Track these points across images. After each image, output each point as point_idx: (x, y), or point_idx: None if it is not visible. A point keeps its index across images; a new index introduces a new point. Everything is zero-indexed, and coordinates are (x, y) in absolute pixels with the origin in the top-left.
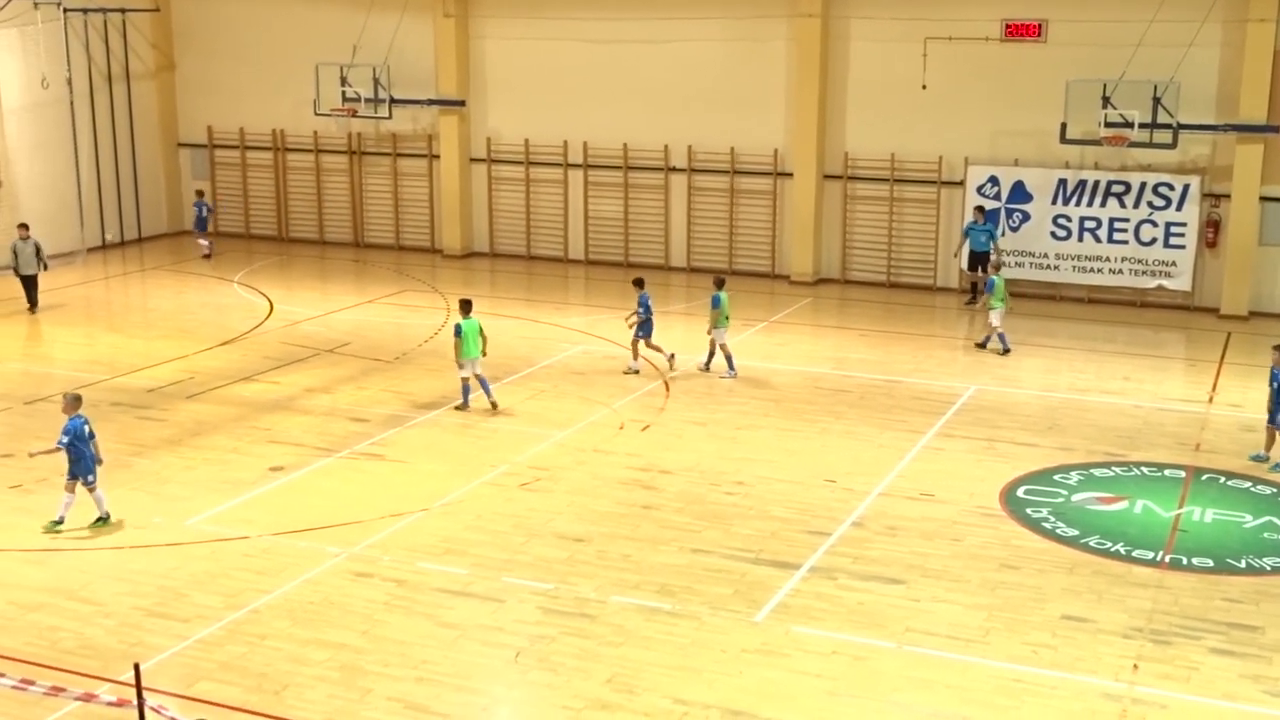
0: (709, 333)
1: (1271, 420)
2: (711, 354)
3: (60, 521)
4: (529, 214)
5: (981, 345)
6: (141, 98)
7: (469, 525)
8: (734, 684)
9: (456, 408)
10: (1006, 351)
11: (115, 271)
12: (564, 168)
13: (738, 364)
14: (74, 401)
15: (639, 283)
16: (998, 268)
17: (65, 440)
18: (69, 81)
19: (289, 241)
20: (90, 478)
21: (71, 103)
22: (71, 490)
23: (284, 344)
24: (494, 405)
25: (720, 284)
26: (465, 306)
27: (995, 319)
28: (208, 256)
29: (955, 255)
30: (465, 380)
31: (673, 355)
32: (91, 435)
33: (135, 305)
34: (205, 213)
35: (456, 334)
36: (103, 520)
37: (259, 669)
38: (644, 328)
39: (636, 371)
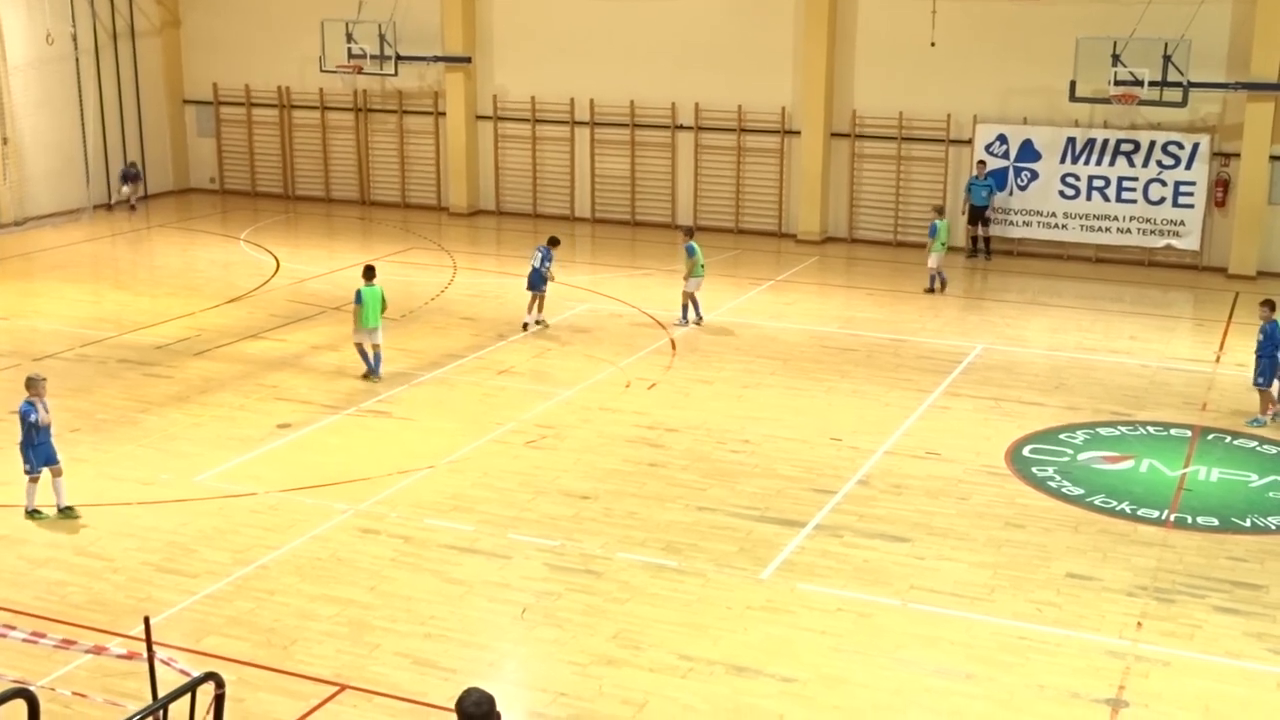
0: (685, 280)
1: (1256, 382)
2: (686, 308)
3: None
4: (535, 172)
5: (930, 290)
6: (147, 54)
7: (476, 482)
8: (739, 640)
9: (364, 377)
10: (943, 285)
11: (122, 229)
12: (570, 125)
13: (737, 321)
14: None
15: (689, 231)
16: (941, 212)
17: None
18: (74, 38)
19: (295, 199)
20: (27, 466)
21: (77, 59)
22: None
23: (291, 301)
24: (371, 377)
25: (690, 234)
26: (368, 272)
27: (933, 261)
28: (133, 207)
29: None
30: (360, 347)
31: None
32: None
33: (142, 263)
34: (134, 172)
35: (357, 300)
36: (34, 514)
37: (267, 624)
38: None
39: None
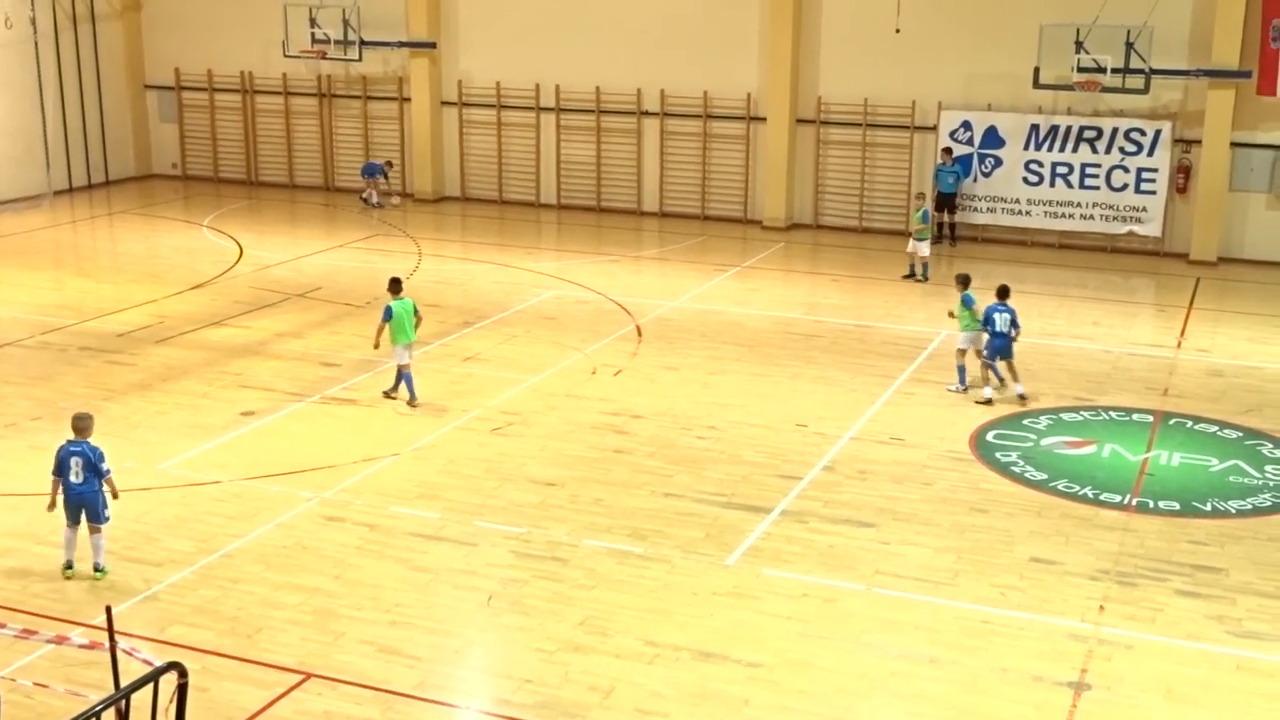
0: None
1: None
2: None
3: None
4: (501, 158)
5: (911, 277)
6: (107, 38)
7: (441, 470)
8: (705, 626)
9: (386, 395)
10: (922, 278)
11: (83, 215)
12: (536, 111)
13: (703, 307)
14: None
15: (964, 280)
16: (922, 198)
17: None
18: (33, 21)
19: (258, 185)
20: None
21: (36, 43)
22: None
23: (254, 288)
24: (392, 396)
25: (966, 283)
26: (394, 285)
27: (925, 249)
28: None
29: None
30: (401, 369)
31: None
32: (94, 467)
33: (104, 249)
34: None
35: (387, 317)
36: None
37: (231, 613)
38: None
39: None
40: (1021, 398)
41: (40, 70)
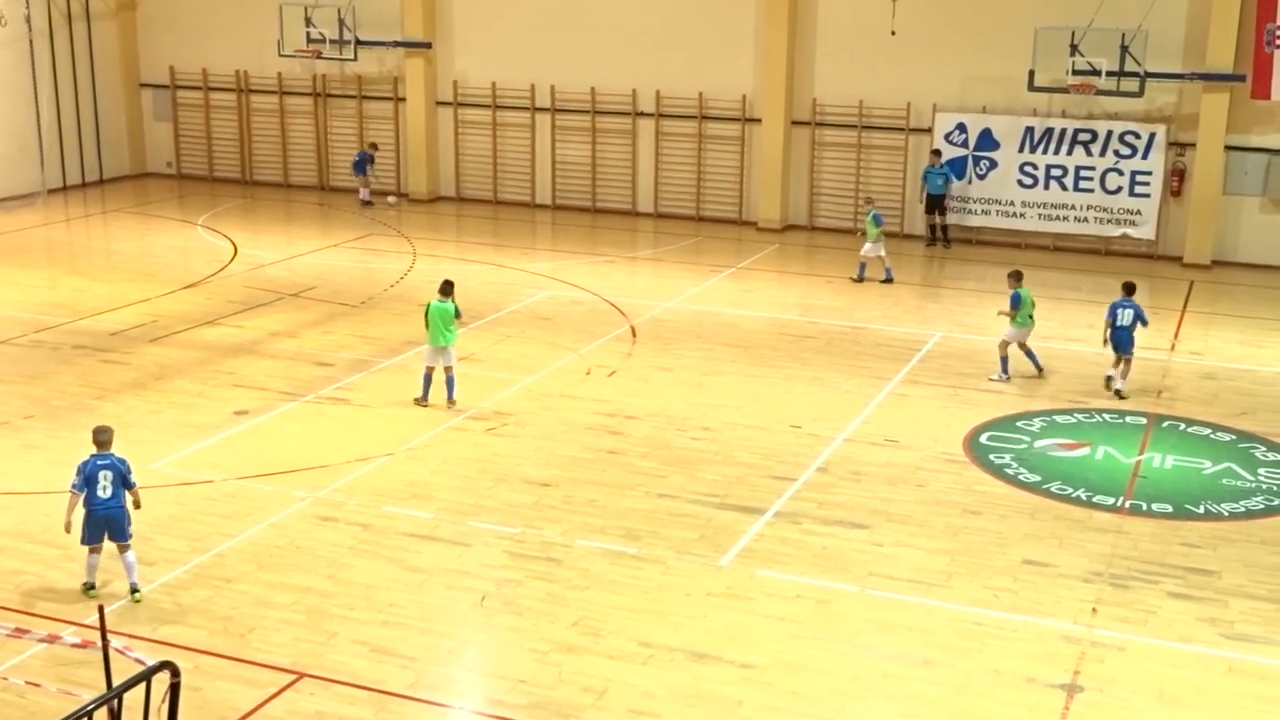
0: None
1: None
2: (1005, 359)
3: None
4: (496, 158)
5: (862, 280)
6: (102, 37)
7: (435, 470)
8: (699, 627)
9: (415, 401)
10: (861, 280)
11: (77, 214)
12: (531, 111)
13: (698, 308)
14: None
15: (1017, 276)
16: (871, 201)
17: (76, 482)
18: (28, 19)
19: (253, 184)
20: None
21: (30, 41)
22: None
23: (248, 288)
24: (421, 403)
25: (1019, 278)
26: (445, 287)
27: (874, 250)
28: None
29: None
30: (428, 371)
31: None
32: (124, 479)
33: (98, 248)
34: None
35: (426, 316)
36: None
37: (224, 612)
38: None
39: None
40: (1118, 393)
41: (35, 68)
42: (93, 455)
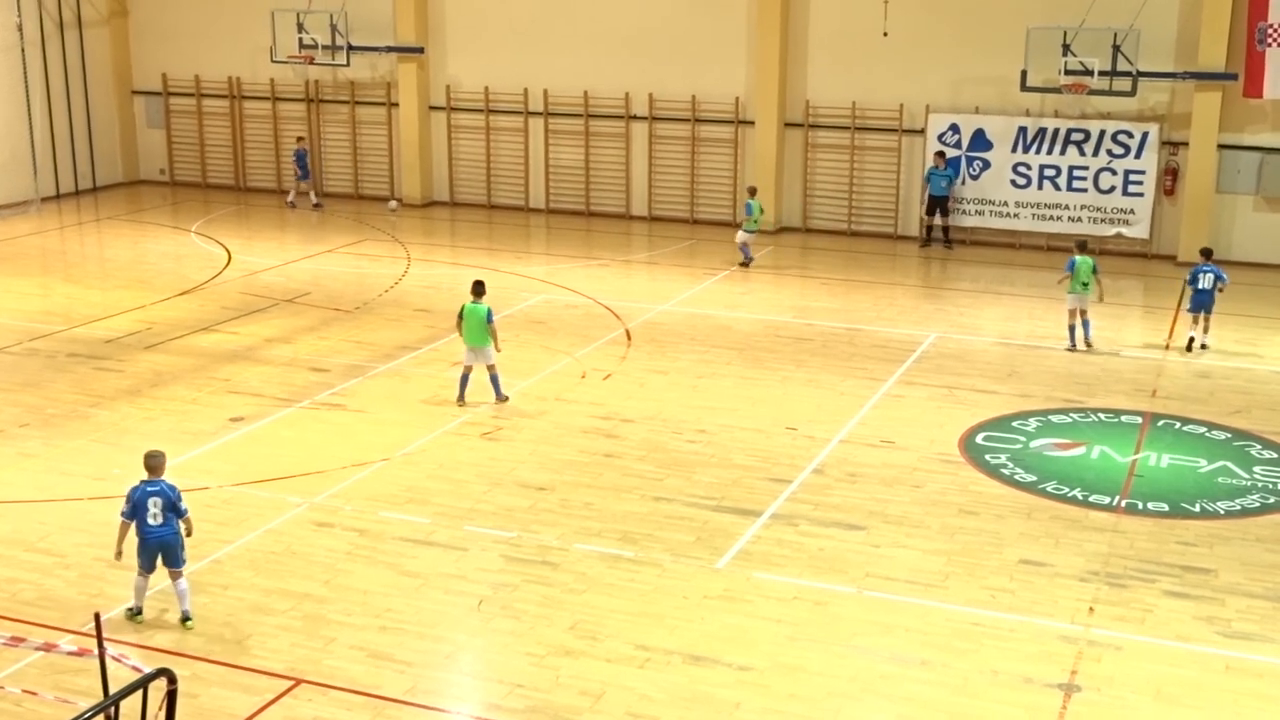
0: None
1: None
2: (1073, 329)
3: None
4: (489, 162)
5: (744, 264)
6: (95, 44)
7: (431, 474)
8: (696, 630)
9: (458, 401)
10: (747, 263)
11: (70, 221)
12: (524, 115)
13: (692, 311)
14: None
15: (1081, 245)
16: (753, 193)
17: (125, 510)
18: (19, 27)
19: (246, 191)
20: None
21: (22, 49)
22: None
23: (243, 294)
24: (460, 403)
25: (1083, 247)
26: (476, 288)
27: (743, 237)
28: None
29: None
30: (465, 370)
31: None
32: (174, 506)
33: (91, 255)
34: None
35: (459, 317)
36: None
37: (221, 619)
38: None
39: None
40: (1204, 347)
41: (27, 76)
42: (142, 481)
